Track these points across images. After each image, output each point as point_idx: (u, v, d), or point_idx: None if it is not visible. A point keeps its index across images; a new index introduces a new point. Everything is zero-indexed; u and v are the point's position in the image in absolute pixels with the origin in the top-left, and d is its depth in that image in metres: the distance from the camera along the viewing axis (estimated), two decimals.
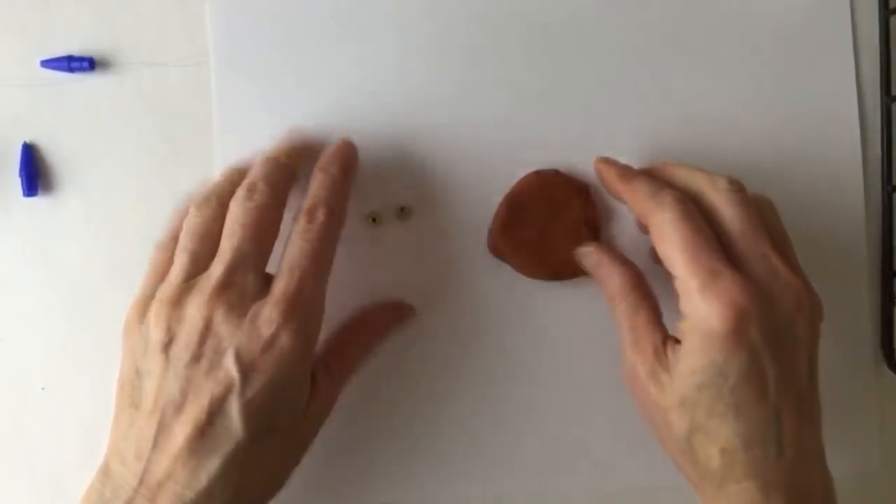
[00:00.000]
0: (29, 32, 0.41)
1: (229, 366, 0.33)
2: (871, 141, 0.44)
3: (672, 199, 0.35)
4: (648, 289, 0.38)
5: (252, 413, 0.33)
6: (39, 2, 0.41)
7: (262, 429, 0.33)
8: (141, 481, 0.33)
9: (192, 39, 0.42)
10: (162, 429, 0.33)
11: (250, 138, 0.42)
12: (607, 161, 0.40)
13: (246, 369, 0.33)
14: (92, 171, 0.42)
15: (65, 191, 0.42)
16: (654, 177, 0.38)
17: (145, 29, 0.42)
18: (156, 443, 0.33)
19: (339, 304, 0.39)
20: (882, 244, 0.44)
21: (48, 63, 0.41)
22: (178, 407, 0.33)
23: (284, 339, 0.33)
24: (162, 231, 0.38)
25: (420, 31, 0.42)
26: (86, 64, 0.41)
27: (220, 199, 0.36)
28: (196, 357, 0.33)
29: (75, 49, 0.41)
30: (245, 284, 0.34)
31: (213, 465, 0.33)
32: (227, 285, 0.34)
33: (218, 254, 0.35)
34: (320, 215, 0.36)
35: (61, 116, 0.42)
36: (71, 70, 0.41)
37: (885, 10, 0.44)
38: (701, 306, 0.33)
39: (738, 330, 0.33)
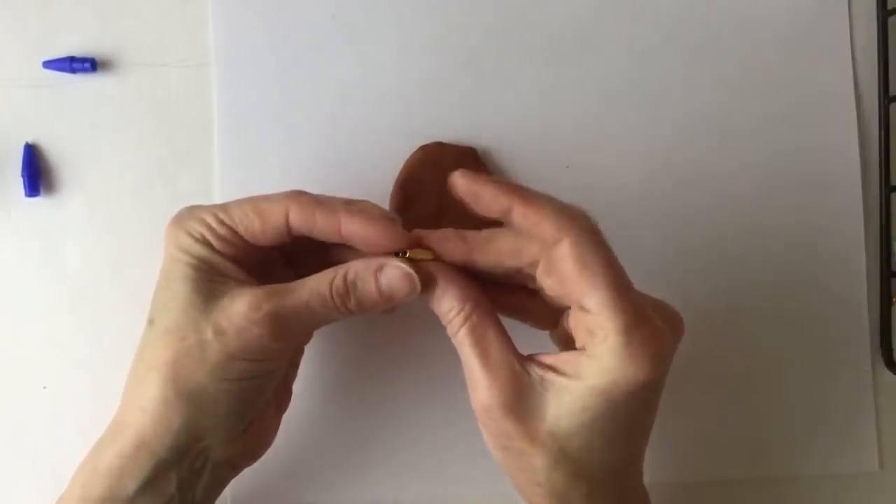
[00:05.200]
0: (31, 33, 0.42)
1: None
2: (870, 141, 0.44)
3: (588, 218, 0.32)
4: (488, 303, 0.33)
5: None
6: (42, 3, 0.42)
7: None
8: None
9: (193, 40, 0.42)
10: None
11: (251, 139, 0.42)
12: (471, 175, 0.33)
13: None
14: (93, 171, 0.42)
15: (66, 191, 0.42)
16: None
17: (147, 30, 0.42)
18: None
19: None
20: (880, 244, 0.44)
21: (50, 64, 0.41)
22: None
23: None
24: None
25: (421, 31, 0.42)
26: (88, 65, 0.41)
27: None
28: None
29: (77, 50, 0.42)
30: None
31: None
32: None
33: None
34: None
35: (63, 117, 0.42)
36: (73, 71, 0.41)
37: (883, 11, 0.44)
38: (621, 352, 0.30)
39: (657, 381, 0.31)
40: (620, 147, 0.43)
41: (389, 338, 0.41)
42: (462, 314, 0.33)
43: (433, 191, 0.41)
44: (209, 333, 0.32)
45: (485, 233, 0.34)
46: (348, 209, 0.33)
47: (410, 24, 0.42)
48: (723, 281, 0.43)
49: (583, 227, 0.31)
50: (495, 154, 0.42)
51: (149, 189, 0.42)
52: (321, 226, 0.33)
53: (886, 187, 0.44)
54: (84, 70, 0.41)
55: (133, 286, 0.42)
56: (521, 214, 0.32)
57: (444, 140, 0.42)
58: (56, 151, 0.42)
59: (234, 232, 0.34)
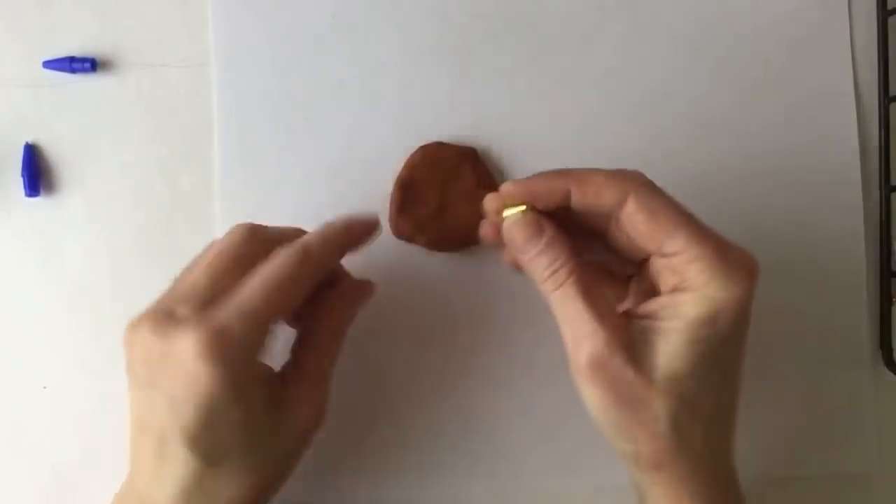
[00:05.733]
0: (31, 33, 0.42)
1: (163, 393, 0.32)
2: (870, 141, 0.44)
3: (641, 174, 0.33)
4: (580, 259, 0.34)
5: (194, 440, 0.32)
6: (42, 3, 0.42)
7: (214, 454, 0.32)
8: (131, 489, 0.35)
9: (193, 40, 0.42)
10: (133, 445, 0.34)
11: (251, 139, 0.42)
12: (517, 180, 0.35)
13: (172, 398, 0.31)
14: (93, 171, 0.42)
15: (66, 191, 0.42)
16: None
17: (147, 30, 0.42)
18: (134, 458, 0.34)
19: None
20: (880, 244, 0.44)
21: (50, 64, 0.41)
22: (142, 427, 0.33)
23: (202, 370, 0.31)
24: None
25: (420, 31, 0.42)
26: (87, 65, 0.41)
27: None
28: (145, 382, 0.32)
29: (77, 50, 0.42)
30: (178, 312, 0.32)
31: (171, 489, 0.33)
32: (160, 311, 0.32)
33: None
34: (295, 252, 0.33)
35: (63, 117, 0.42)
36: (73, 71, 0.41)
37: (883, 11, 0.44)
38: (720, 273, 0.31)
39: (751, 300, 0.32)
40: (620, 147, 0.43)
41: (390, 337, 0.41)
42: (567, 267, 0.33)
43: (433, 191, 0.41)
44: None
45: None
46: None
47: (410, 24, 0.42)
48: None
49: (640, 181, 0.33)
50: (495, 154, 0.42)
51: (149, 189, 0.42)
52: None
53: (886, 187, 0.44)
54: (84, 70, 0.41)
55: (133, 286, 0.42)
56: (579, 193, 0.33)
57: (444, 140, 0.42)
58: (56, 151, 0.42)
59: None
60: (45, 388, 0.41)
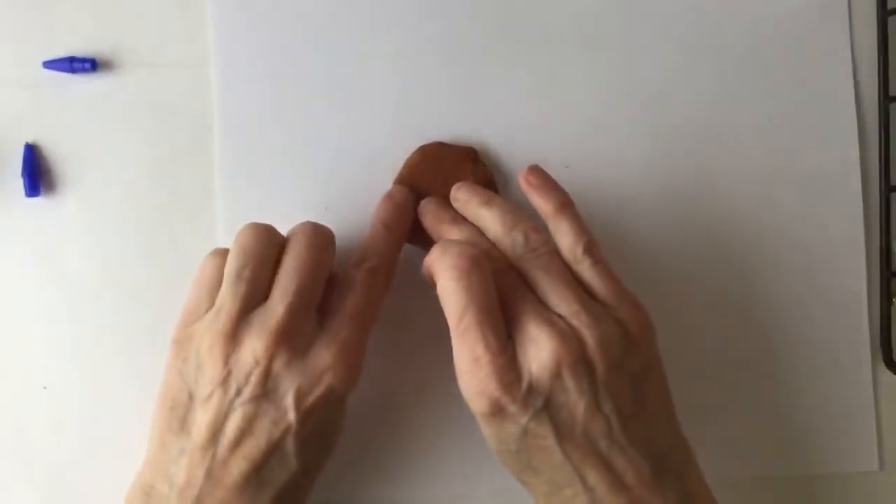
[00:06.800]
0: (31, 33, 0.42)
1: (288, 407, 0.34)
2: (870, 141, 0.44)
3: (452, 258, 0.34)
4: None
5: (305, 450, 0.34)
6: (41, 3, 0.42)
7: (312, 461, 0.35)
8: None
9: (193, 40, 0.42)
10: (217, 463, 0.34)
11: (251, 138, 0.42)
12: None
13: (304, 412, 0.34)
14: (94, 171, 0.42)
15: (67, 191, 0.42)
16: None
17: (147, 30, 0.42)
18: (210, 474, 0.33)
19: None
20: (880, 244, 0.44)
21: (50, 64, 0.41)
22: (235, 443, 0.33)
23: (339, 387, 0.34)
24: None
25: (421, 31, 0.42)
26: (88, 65, 0.41)
27: (272, 228, 0.37)
28: (255, 397, 0.33)
29: (77, 50, 0.42)
30: (305, 327, 0.34)
31: (266, 496, 0.34)
32: (289, 328, 0.34)
33: (280, 291, 0.35)
34: (381, 275, 0.37)
35: (63, 117, 0.42)
36: (73, 71, 0.41)
37: (883, 11, 0.44)
38: (464, 389, 0.34)
39: (496, 413, 0.33)
40: (620, 147, 0.43)
41: (390, 338, 0.41)
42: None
43: (433, 190, 0.41)
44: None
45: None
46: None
47: (411, 24, 0.42)
48: (722, 281, 0.43)
49: (444, 268, 0.34)
50: (495, 154, 0.42)
51: (149, 189, 0.42)
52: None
53: (886, 187, 0.44)
54: (84, 70, 0.41)
55: (133, 286, 0.42)
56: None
57: (444, 140, 0.42)
58: (56, 151, 0.42)
59: None
60: (44, 388, 0.41)
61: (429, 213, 0.40)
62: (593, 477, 0.33)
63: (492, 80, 0.43)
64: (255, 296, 0.35)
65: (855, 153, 0.44)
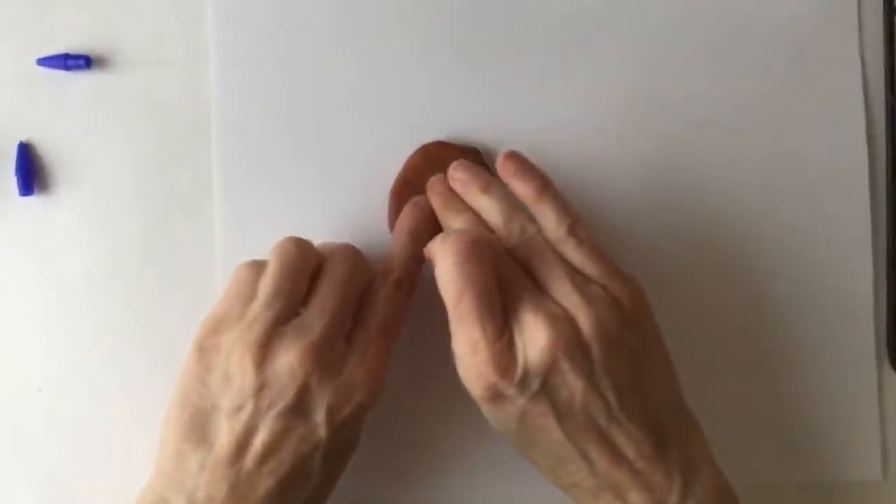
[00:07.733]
0: (25, 30, 0.41)
1: (319, 423, 0.34)
2: (877, 140, 0.44)
3: (452, 243, 0.34)
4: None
5: (328, 465, 0.35)
6: (36, 0, 0.41)
7: (331, 476, 0.36)
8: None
9: (189, 37, 0.42)
10: (243, 478, 0.33)
11: (249, 137, 0.41)
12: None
13: (335, 428, 0.34)
14: (89, 170, 0.41)
15: (61, 190, 0.41)
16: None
17: (142, 26, 0.42)
18: (234, 489, 0.33)
19: None
20: (888, 245, 0.43)
21: (44, 61, 0.41)
22: (263, 458, 0.33)
23: (367, 402, 0.35)
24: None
25: (422, 30, 0.42)
26: (82, 62, 0.41)
27: (310, 243, 0.37)
28: (287, 411, 0.33)
29: (72, 47, 0.41)
30: (339, 343, 0.35)
31: None
32: (325, 345, 0.34)
33: (319, 308, 0.35)
34: (406, 286, 0.38)
35: (58, 115, 0.41)
36: (67, 68, 0.41)
37: (890, 10, 0.43)
38: (462, 372, 0.34)
39: (493, 397, 0.34)
40: (623, 147, 0.42)
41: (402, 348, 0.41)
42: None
43: None
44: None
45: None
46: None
47: (412, 23, 0.42)
48: (727, 281, 0.43)
49: (444, 252, 0.35)
50: (496, 153, 0.42)
51: (145, 188, 0.42)
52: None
53: (894, 187, 0.43)
54: (78, 67, 0.41)
55: (129, 286, 0.41)
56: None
57: (445, 139, 0.41)
58: (50, 150, 0.41)
59: None
60: (39, 389, 0.41)
61: (438, 193, 0.40)
62: (595, 452, 0.34)
63: (494, 79, 0.42)
64: (289, 310, 0.35)
65: (863, 153, 0.43)
